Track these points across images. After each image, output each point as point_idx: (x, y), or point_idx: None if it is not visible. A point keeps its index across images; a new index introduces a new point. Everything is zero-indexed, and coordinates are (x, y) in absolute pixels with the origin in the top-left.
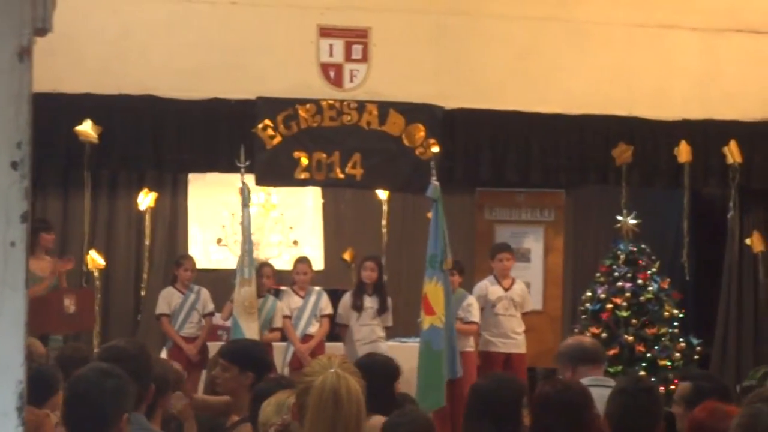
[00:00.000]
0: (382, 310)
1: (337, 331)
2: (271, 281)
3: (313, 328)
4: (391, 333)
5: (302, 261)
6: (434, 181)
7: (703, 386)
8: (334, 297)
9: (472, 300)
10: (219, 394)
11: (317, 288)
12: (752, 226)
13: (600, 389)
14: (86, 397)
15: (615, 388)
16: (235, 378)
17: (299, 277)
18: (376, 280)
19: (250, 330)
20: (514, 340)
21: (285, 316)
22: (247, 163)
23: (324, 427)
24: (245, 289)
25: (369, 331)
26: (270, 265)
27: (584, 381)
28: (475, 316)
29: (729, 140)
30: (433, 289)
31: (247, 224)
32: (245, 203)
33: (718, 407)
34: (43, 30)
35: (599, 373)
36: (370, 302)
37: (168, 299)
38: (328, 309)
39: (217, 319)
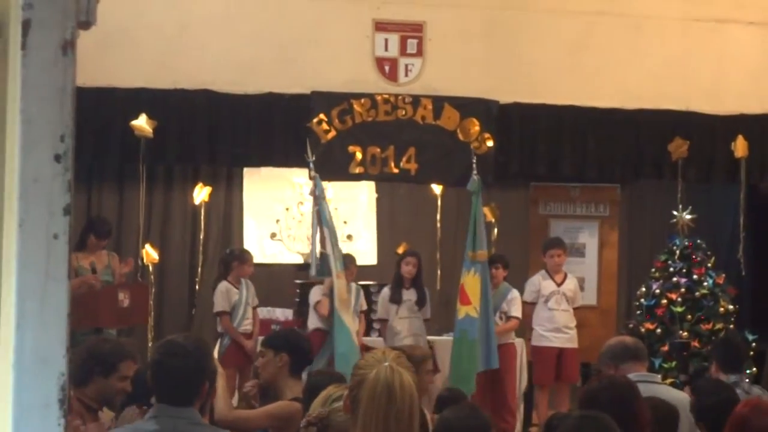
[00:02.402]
0: (421, 302)
1: (377, 326)
2: (353, 273)
3: (357, 325)
4: (445, 327)
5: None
6: (474, 175)
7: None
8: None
9: (515, 294)
10: (262, 384)
11: (354, 284)
12: None
13: (645, 385)
14: (169, 373)
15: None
16: (270, 361)
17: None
18: (415, 275)
19: (349, 322)
20: (566, 334)
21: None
22: (314, 157)
23: (377, 420)
24: (340, 282)
25: (409, 324)
26: (353, 258)
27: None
28: (517, 311)
29: None
30: (471, 280)
31: (328, 217)
32: (322, 196)
33: (761, 403)
34: (86, 23)
35: (642, 370)
36: (408, 295)
37: (227, 296)
38: (364, 305)
39: (273, 312)
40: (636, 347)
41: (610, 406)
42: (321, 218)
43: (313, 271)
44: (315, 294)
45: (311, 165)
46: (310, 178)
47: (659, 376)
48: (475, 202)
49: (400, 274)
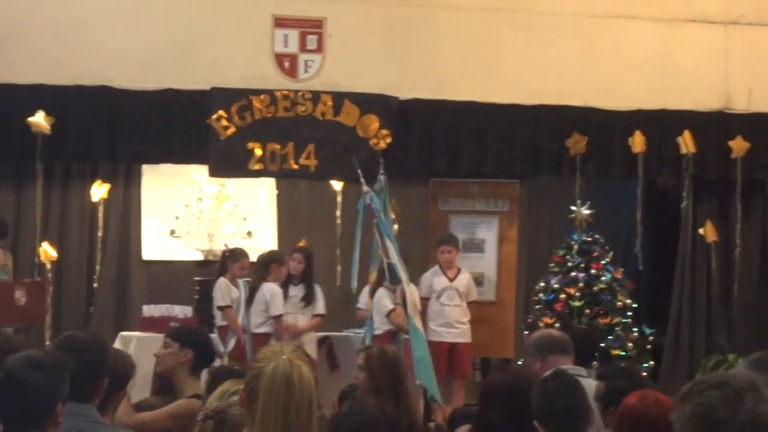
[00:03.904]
0: (308, 299)
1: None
2: (245, 268)
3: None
4: (344, 324)
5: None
6: (381, 174)
7: (617, 385)
8: None
9: (412, 288)
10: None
11: (241, 280)
12: (705, 216)
13: None
14: (15, 392)
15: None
16: (174, 354)
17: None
18: (302, 271)
19: (421, 327)
20: (458, 329)
21: (228, 306)
22: (361, 172)
23: (275, 413)
24: (411, 289)
25: (294, 321)
26: (246, 253)
27: (546, 375)
28: (282, 308)
29: (683, 130)
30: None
31: (389, 228)
32: (379, 209)
33: (647, 393)
34: None
35: (569, 363)
36: (294, 291)
37: (228, 291)
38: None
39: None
40: (563, 340)
41: (509, 398)
42: (381, 230)
43: (353, 283)
44: (387, 302)
45: (362, 180)
46: (364, 192)
47: (585, 369)
48: (382, 200)
49: (288, 271)
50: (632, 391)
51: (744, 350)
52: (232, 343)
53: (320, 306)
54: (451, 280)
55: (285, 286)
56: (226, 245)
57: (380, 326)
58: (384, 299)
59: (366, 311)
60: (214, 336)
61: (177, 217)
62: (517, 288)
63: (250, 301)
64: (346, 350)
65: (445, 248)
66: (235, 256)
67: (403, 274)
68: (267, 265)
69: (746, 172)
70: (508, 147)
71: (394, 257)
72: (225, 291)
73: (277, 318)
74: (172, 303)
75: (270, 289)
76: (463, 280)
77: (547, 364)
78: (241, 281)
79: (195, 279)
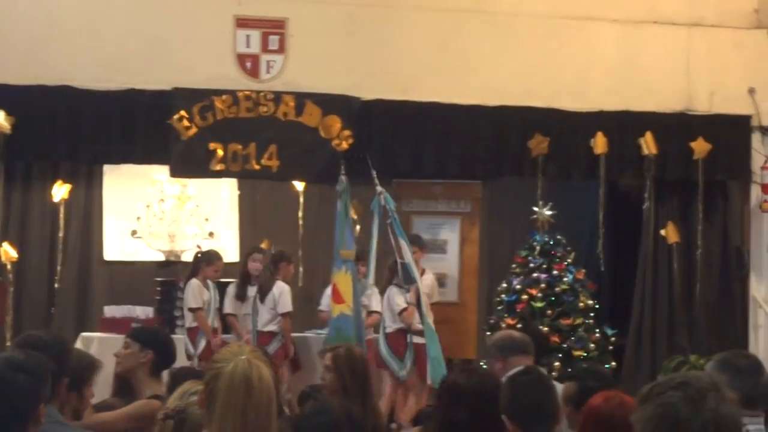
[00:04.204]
0: (264, 297)
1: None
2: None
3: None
4: (308, 324)
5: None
6: (342, 175)
7: (588, 385)
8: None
9: (374, 290)
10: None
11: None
12: (667, 218)
13: None
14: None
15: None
16: (134, 355)
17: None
18: (261, 270)
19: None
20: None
21: (199, 308)
22: (379, 186)
23: (235, 413)
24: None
25: (252, 320)
26: (219, 254)
27: (515, 371)
28: (378, 305)
29: (645, 132)
30: (343, 278)
31: (403, 229)
32: (393, 209)
33: (613, 395)
34: None
35: (529, 363)
36: (252, 292)
37: (200, 293)
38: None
39: (134, 310)
40: (523, 341)
41: (475, 398)
42: (395, 231)
43: (371, 281)
44: (399, 301)
45: (376, 181)
46: (378, 193)
47: (544, 369)
48: (344, 202)
49: (246, 271)
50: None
51: (706, 351)
52: (202, 344)
53: (281, 305)
54: None
55: (243, 287)
56: (198, 247)
57: (391, 324)
58: (396, 298)
59: (327, 313)
60: (182, 338)
61: (138, 218)
62: (479, 289)
63: (261, 299)
64: (307, 351)
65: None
66: (209, 258)
67: (417, 274)
68: (276, 264)
69: (708, 173)
70: (470, 148)
71: (408, 257)
72: (197, 293)
73: (285, 315)
74: (133, 304)
75: (280, 287)
76: (427, 281)
77: (508, 364)
78: (211, 283)
79: (156, 279)
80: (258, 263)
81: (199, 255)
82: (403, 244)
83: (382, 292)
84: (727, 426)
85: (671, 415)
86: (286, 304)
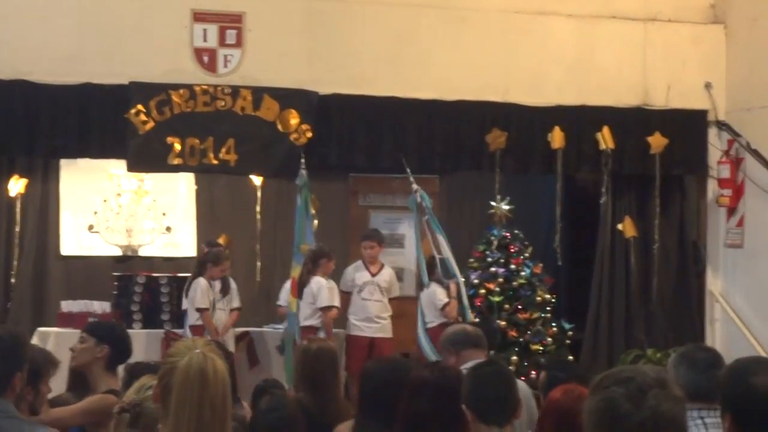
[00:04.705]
0: (225, 291)
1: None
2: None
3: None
4: (264, 320)
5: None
6: (302, 170)
7: (557, 375)
8: None
9: (332, 284)
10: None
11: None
12: (624, 212)
13: None
14: None
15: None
16: (90, 349)
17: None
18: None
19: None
20: (378, 324)
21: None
22: (416, 187)
23: (190, 407)
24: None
25: (220, 315)
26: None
27: (469, 365)
28: (335, 299)
29: (602, 126)
30: None
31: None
32: (429, 205)
33: (572, 388)
34: None
35: (482, 357)
36: (217, 287)
37: (207, 292)
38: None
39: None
40: (476, 335)
41: (437, 391)
42: (433, 226)
43: (425, 279)
44: (441, 296)
45: (412, 179)
46: (414, 191)
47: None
48: (304, 197)
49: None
50: (573, 381)
51: (662, 345)
52: None
53: (235, 299)
54: (374, 275)
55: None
56: (204, 245)
57: (433, 319)
58: (437, 293)
59: (286, 308)
60: (142, 333)
61: (95, 212)
62: None
63: (299, 294)
64: (264, 346)
65: (368, 244)
66: (216, 258)
67: (456, 269)
68: (316, 260)
69: (664, 168)
70: (428, 142)
71: (447, 252)
72: (206, 292)
73: (325, 310)
74: (90, 298)
75: (318, 282)
76: (386, 275)
77: (462, 358)
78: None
79: (114, 274)
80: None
81: (208, 254)
82: (442, 240)
83: (303, 284)
84: (667, 423)
85: (612, 409)
86: (324, 299)
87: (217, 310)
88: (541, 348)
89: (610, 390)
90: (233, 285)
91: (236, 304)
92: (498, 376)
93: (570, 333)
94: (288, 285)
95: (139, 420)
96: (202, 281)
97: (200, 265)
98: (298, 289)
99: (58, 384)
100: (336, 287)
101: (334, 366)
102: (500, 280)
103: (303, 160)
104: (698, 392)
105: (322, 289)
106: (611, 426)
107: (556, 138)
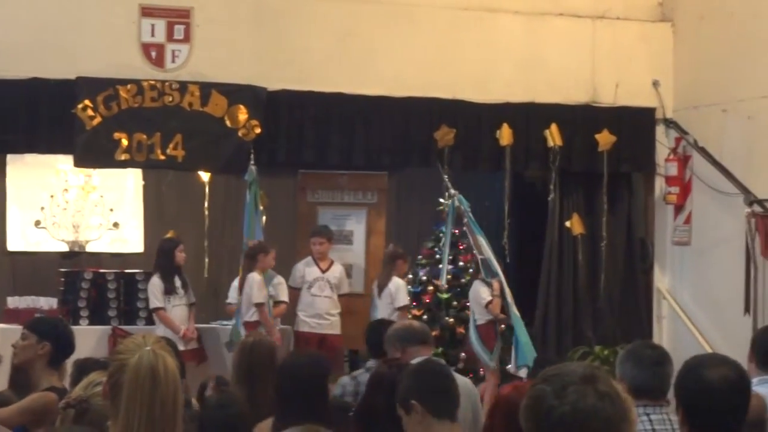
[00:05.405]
0: (185, 287)
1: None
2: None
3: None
4: (213, 316)
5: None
6: (252, 165)
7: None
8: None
9: (280, 279)
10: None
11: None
12: (572, 209)
13: None
14: None
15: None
16: (31, 347)
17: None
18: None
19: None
20: (327, 321)
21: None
22: (450, 188)
23: (141, 405)
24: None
25: (180, 312)
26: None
27: (414, 361)
28: (284, 295)
29: (550, 124)
30: None
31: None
32: (467, 207)
33: (522, 384)
34: None
35: (428, 354)
36: (177, 283)
37: (262, 286)
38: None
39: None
40: (423, 331)
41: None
42: (473, 228)
43: (443, 280)
44: (485, 294)
45: (448, 183)
46: (450, 196)
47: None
48: (252, 193)
49: (175, 262)
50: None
51: (611, 342)
52: None
53: (191, 295)
54: (324, 271)
55: (171, 279)
56: (248, 241)
57: (480, 317)
58: (481, 291)
59: (235, 306)
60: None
61: (42, 208)
62: None
63: (378, 294)
64: (213, 342)
65: (317, 240)
66: (264, 248)
67: (498, 267)
68: (393, 260)
69: (612, 165)
70: (376, 139)
71: (488, 252)
72: (261, 286)
73: (401, 309)
74: (37, 294)
75: (395, 283)
76: (336, 272)
77: (408, 354)
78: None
79: (60, 270)
80: (185, 254)
81: (255, 248)
82: (482, 241)
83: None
84: (586, 418)
85: (538, 405)
86: (402, 299)
87: (175, 307)
88: None
89: (538, 387)
90: (280, 280)
91: (283, 297)
92: (445, 371)
93: None
94: (236, 282)
95: (84, 416)
96: (255, 276)
97: (250, 258)
98: (378, 289)
99: (3, 380)
100: (284, 283)
101: (271, 361)
102: (448, 277)
103: (252, 156)
104: (644, 389)
105: (400, 289)
106: (537, 421)
107: (505, 135)
